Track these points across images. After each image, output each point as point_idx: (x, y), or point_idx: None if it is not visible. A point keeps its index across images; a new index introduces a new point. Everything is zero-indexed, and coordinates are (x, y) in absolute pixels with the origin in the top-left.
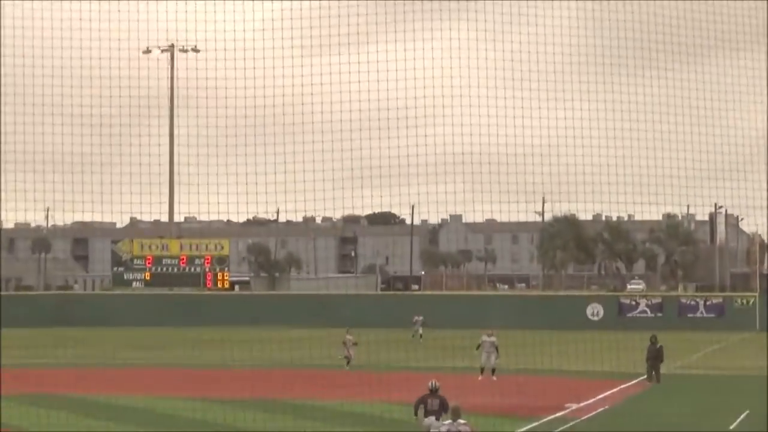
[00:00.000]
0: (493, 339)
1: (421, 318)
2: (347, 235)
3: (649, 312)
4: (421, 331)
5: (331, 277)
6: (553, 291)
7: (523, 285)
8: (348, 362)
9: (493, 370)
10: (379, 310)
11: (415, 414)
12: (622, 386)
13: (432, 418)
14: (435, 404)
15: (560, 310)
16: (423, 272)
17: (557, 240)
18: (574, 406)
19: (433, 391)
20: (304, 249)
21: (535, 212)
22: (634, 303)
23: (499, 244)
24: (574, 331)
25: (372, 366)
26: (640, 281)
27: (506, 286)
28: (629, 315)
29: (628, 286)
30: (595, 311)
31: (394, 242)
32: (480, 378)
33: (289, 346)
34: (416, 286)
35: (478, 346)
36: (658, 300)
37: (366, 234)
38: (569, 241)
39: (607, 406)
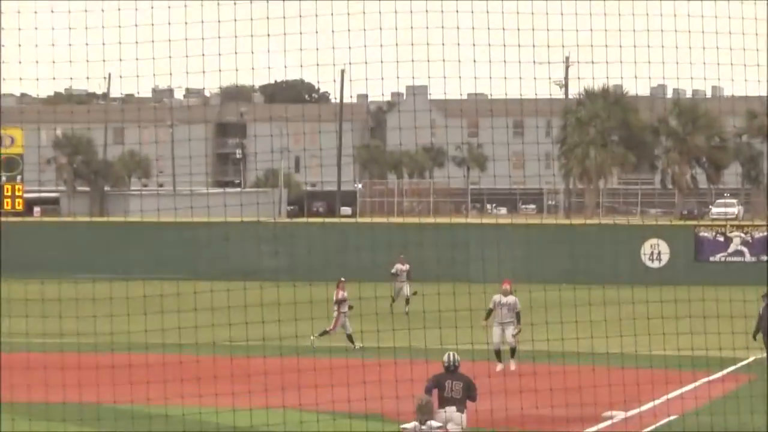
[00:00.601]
0: (511, 300)
1: (405, 267)
2: (228, 121)
3: (747, 254)
4: (408, 291)
5: (200, 193)
6: (584, 218)
7: (533, 208)
8: (321, 333)
9: (513, 352)
10: (286, 251)
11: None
12: (703, 380)
13: (449, 412)
14: (457, 388)
15: (595, 250)
16: (360, 185)
17: (591, 130)
18: (619, 416)
19: (451, 370)
20: (155, 145)
21: (555, 83)
22: (722, 238)
23: (492, 136)
24: (620, 285)
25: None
26: (734, 201)
27: (504, 210)
28: (714, 258)
29: (713, 210)
30: (655, 252)
31: (310, 134)
32: (499, 368)
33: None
34: (348, 210)
35: (489, 314)
36: (764, 233)
37: (261, 119)
38: (611, 131)
39: (673, 416)
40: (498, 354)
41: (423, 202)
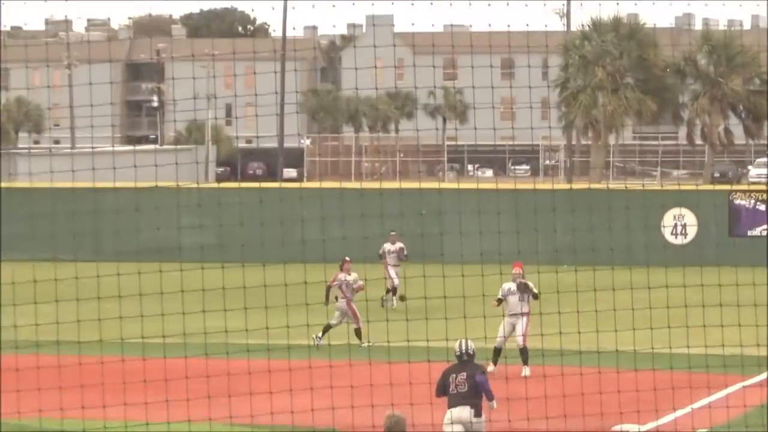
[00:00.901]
0: (525, 286)
1: (396, 247)
2: (141, 60)
3: None
4: (396, 280)
5: (104, 151)
6: (588, 182)
7: (525, 169)
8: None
9: (523, 354)
10: (214, 225)
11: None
12: (737, 385)
13: (456, 413)
14: (461, 380)
15: (603, 222)
16: (307, 141)
17: (599, 71)
18: (632, 431)
19: (464, 360)
20: (48, 91)
21: (553, 11)
22: (762, 207)
23: (474, 78)
24: (635, 266)
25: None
26: None
27: (489, 172)
28: (753, 232)
29: (752, 171)
30: (680, 224)
31: (244, 76)
32: (490, 368)
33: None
34: (293, 173)
35: (500, 302)
36: None
37: (182, 58)
38: (624, 72)
39: (700, 431)
40: (497, 353)
41: (387, 162)
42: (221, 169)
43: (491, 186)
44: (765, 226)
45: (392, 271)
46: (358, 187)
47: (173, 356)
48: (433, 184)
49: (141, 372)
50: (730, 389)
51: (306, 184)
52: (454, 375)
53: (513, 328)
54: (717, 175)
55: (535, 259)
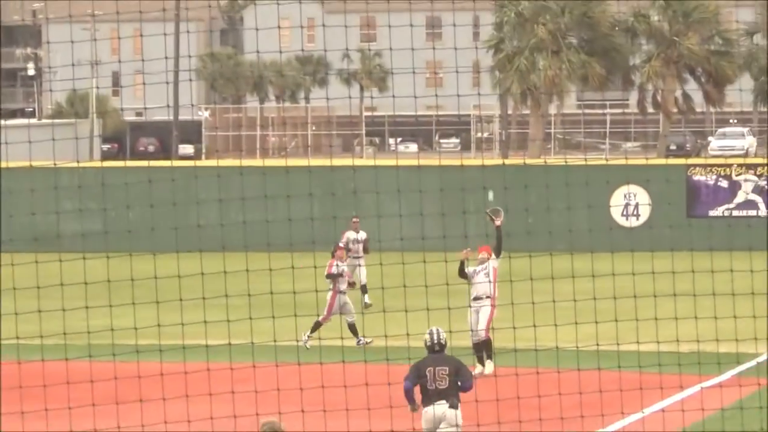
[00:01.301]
0: (488, 267)
1: (361, 236)
2: (13, 23)
3: (762, 206)
4: (364, 276)
5: None
6: (526, 157)
7: (455, 143)
8: (313, 328)
9: (486, 347)
10: (97, 209)
11: (411, 402)
12: (694, 387)
13: (438, 410)
14: (441, 375)
15: (542, 202)
16: (206, 113)
17: (538, 29)
18: None
19: (436, 350)
20: None
21: None
22: (725, 183)
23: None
24: (578, 252)
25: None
26: (742, 130)
27: (414, 146)
28: (714, 212)
29: (713, 143)
30: (630, 205)
31: (132, 39)
32: (481, 370)
33: None
34: (190, 149)
35: (462, 272)
36: None
37: (60, 20)
38: (567, 31)
39: None
40: (478, 349)
41: (297, 136)
42: (108, 145)
43: (413, 162)
44: (729, 206)
45: (360, 267)
46: (260, 165)
47: (52, 359)
48: (347, 161)
49: (16, 377)
50: (686, 392)
51: (201, 163)
52: (432, 368)
53: (478, 318)
54: (673, 147)
55: (464, 244)
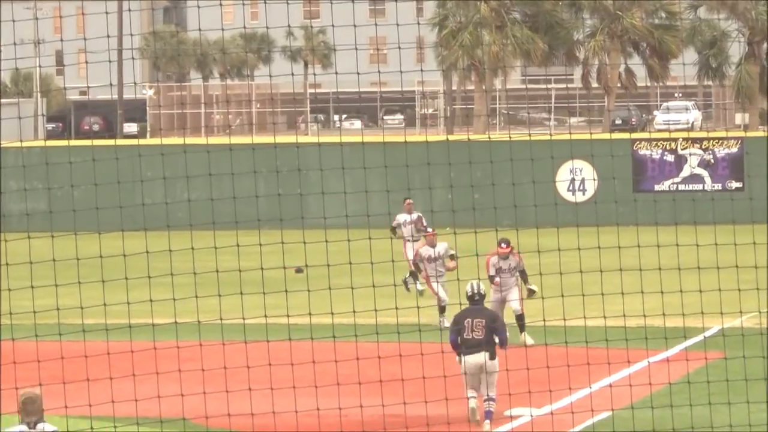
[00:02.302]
0: (512, 262)
1: (414, 216)
2: None
3: (708, 180)
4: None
5: None
6: (474, 133)
7: (400, 119)
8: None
9: (520, 321)
10: (41, 189)
11: (458, 353)
12: (641, 363)
13: (476, 359)
14: (478, 326)
15: (487, 178)
16: (150, 91)
17: (482, 5)
18: (524, 417)
19: (476, 299)
20: None
21: None
22: (671, 157)
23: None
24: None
25: None
26: (688, 104)
27: (358, 123)
28: (660, 187)
29: (658, 117)
30: (576, 180)
31: (75, 17)
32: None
33: None
34: (134, 128)
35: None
36: (736, 149)
37: None
38: (511, 5)
39: (599, 414)
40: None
41: (242, 113)
42: (52, 125)
43: (357, 139)
44: (675, 180)
45: (410, 248)
46: (204, 143)
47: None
48: (291, 138)
49: None
50: (633, 367)
51: (144, 141)
52: (470, 320)
53: (503, 302)
54: (618, 122)
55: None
